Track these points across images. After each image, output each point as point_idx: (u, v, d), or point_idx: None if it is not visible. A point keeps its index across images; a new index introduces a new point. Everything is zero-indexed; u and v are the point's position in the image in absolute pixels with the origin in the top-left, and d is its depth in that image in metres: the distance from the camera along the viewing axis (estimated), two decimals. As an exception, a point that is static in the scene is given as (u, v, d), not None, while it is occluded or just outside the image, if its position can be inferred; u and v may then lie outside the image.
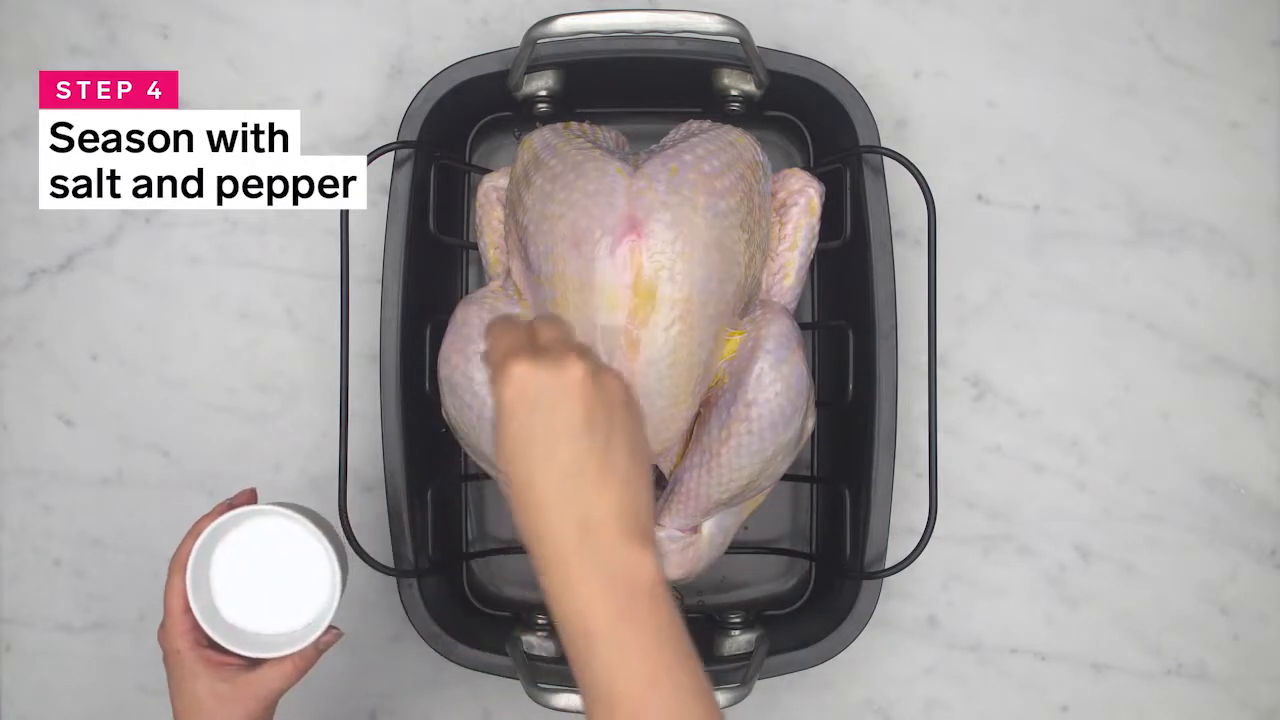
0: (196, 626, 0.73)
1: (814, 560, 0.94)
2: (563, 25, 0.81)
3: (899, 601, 0.94)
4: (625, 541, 0.56)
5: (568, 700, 0.80)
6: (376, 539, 0.88)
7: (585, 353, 0.58)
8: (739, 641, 0.88)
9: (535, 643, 0.88)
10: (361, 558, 0.83)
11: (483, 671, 0.86)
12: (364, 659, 0.94)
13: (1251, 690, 0.95)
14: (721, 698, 0.80)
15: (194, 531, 0.74)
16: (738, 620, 0.89)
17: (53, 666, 0.95)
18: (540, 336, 0.60)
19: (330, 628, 0.74)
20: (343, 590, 0.75)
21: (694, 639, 0.89)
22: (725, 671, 0.84)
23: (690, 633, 0.90)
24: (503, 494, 0.86)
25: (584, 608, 0.56)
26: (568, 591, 0.56)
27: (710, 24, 0.81)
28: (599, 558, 0.56)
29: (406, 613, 0.86)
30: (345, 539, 0.81)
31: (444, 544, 0.91)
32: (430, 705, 0.95)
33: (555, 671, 0.85)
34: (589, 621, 0.55)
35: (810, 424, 0.82)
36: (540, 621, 0.89)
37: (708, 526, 0.81)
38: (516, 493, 0.58)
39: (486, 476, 0.85)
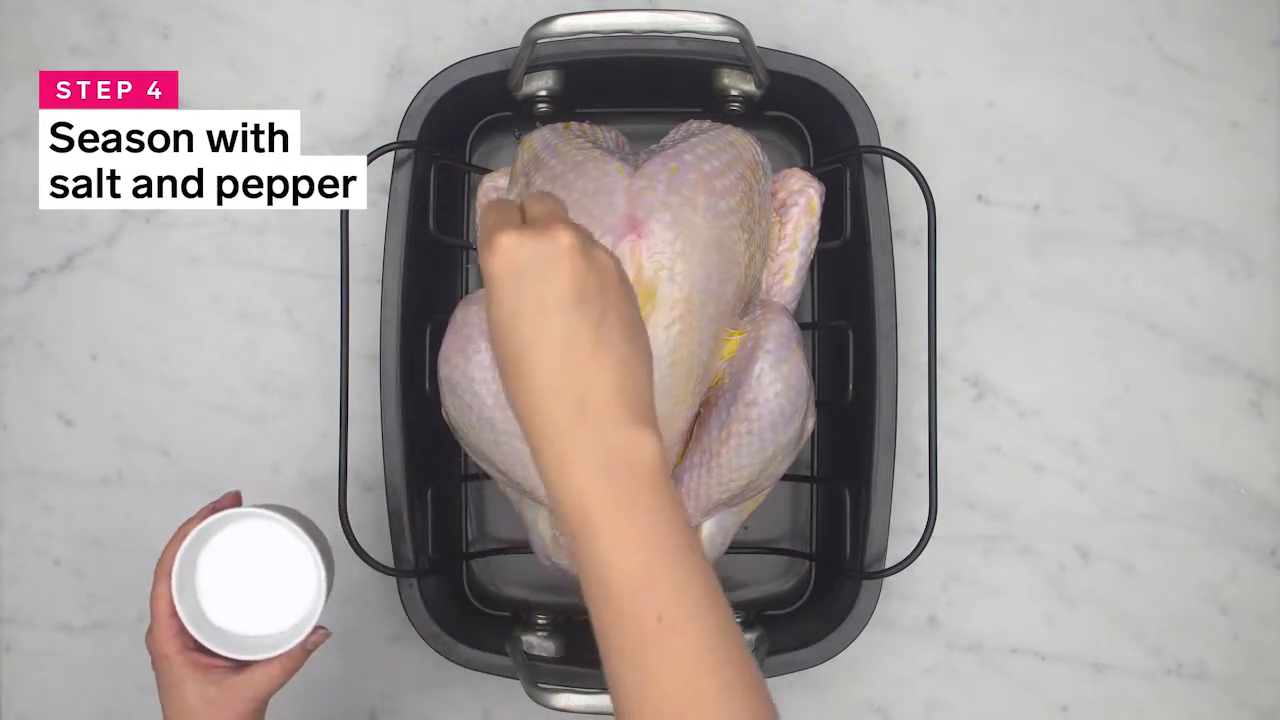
0: (183, 630, 0.72)
1: (814, 560, 0.94)
2: (563, 25, 0.81)
3: (899, 601, 0.94)
4: (625, 422, 0.53)
5: (568, 700, 0.80)
6: (376, 539, 0.88)
7: (576, 226, 0.55)
8: (739, 641, 0.88)
9: (535, 643, 0.88)
10: (361, 558, 0.83)
11: (483, 671, 0.86)
12: (364, 659, 0.94)
13: (1251, 690, 0.95)
14: (721, 698, 0.80)
15: (178, 535, 0.74)
16: (738, 620, 0.88)
17: (53, 666, 0.95)
18: (530, 211, 0.56)
19: (317, 628, 0.74)
20: (329, 590, 0.75)
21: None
22: (725, 671, 0.84)
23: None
24: (502, 493, 0.86)
25: (581, 490, 0.53)
26: (564, 473, 0.53)
27: (710, 24, 0.81)
28: (597, 438, 0.53)
29: (406, 613, 0.86)
30: (340, 538, 0.81)
31: (444, 544, 0.91)
32: (430, 705, 0.95)
33: (555, 671, 0.85)
34: (586, 505, 0.53)
35: (810, 424, 0.82)
36: (540, 621, 0.89)
37: (708, 526, 0.81)
38: (509, 371, 0.55)
39: (486, 476, 0.85)
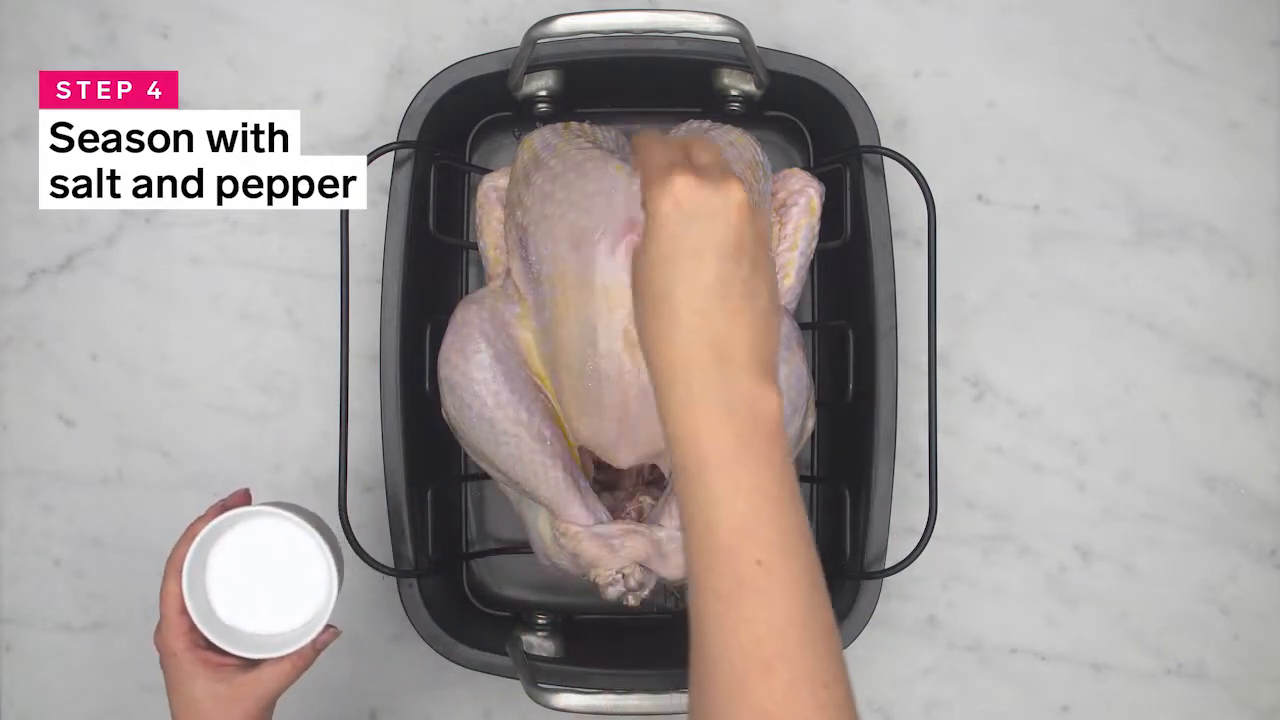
0: (193, 628, 0.72)
1: (814, 560, 0.94)
2: (563, 25, 0.81)
3: (899, 601, 0.94)
4: (754, 374, 0.55)
5: (568, 700, 0.80)
6: (376, 539, 0.88)
7: (742, 180, 0.57)
8: (739, 641, 0.88)
9: (535, 643, 0.88)
10: (361, 558, 0.83)
11: (483, 671, 0.86)
12: (364, 659, 0.94)
13: (1251, 690, 0.95)
14: (721, 698, 0.80)
15: (189, 533, 0.74)
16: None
17: (53, 666, 0.95)
18: (699, 158, 0.58)
19: (327, 626, 0.74)
20: (339, 589, 0.75)
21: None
22: (725, 671, 0.84)
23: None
24: (502, 493, 0.86)
25: (702, 431, 0.54)
26: (688, 412, 0.55)
27: (710, 24, 0.81)
28: (726, 383, 0.55)
29: (406, 613, 0.86)
30: (341, 538, 0.81)
31: (444, 544, 0.91)
32: (430, 705, 0.95)
33: (555, 671, 0.85)
34: (704, 446, 0.54)
35: (810, 424, 0.82)
36: (540, 621, 0.89)
37: (708, 526, 0.81)
38: (648, 308, 0.56)
39: (486, 476, 0.85)
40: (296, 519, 0.74)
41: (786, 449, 0.56)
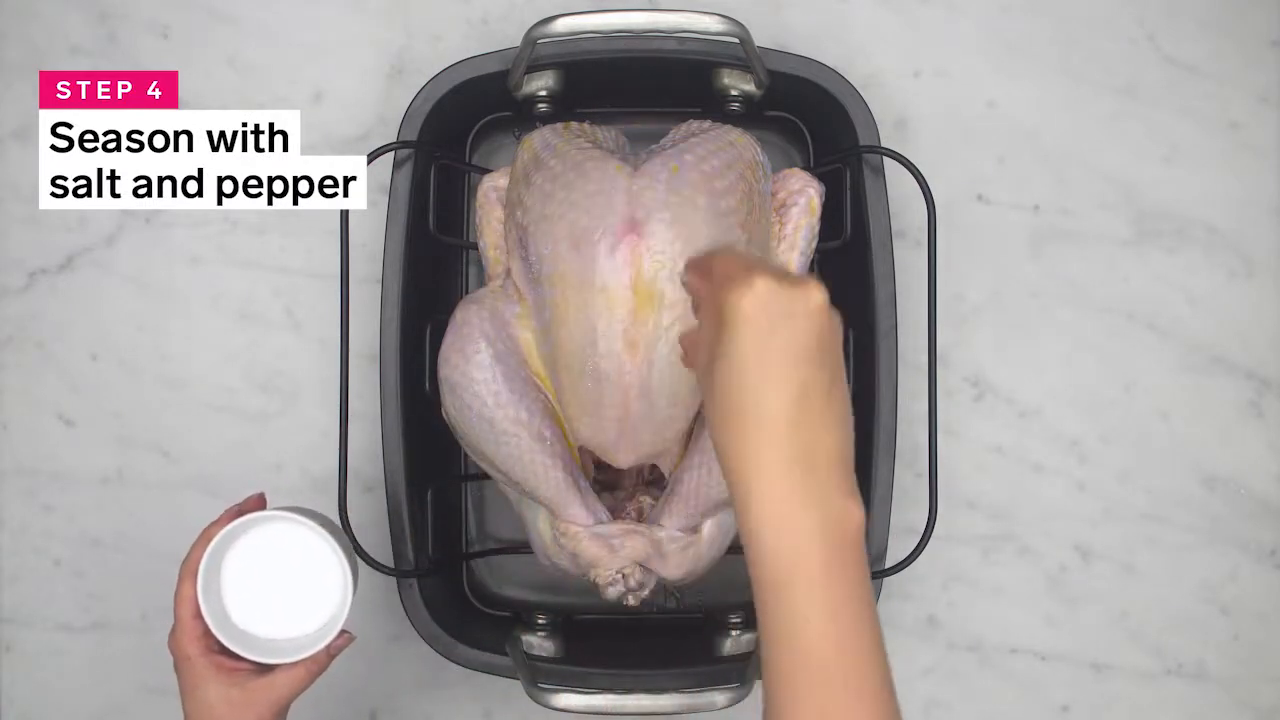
0: (207, 632, 0.72)
1: (814, 560, 0.94)
2: (563, 25, 0.81)
3: (899, 601, 0.94)
4: (841, 486, 0.54)
5: (568, 700, 0.80)
6: (376, 539, 0.88)
7: (823, 286, 0.56)
8: (739, 641, 0.88)
9: (535, 643, 0.88)
10: (361, 558, 0.83)
11: (483, 671, 0.86)
12: (364, 659, 0.94)
13: (1251, 690, 0.95)
14: (721, 698, 0.80)
15: (204, 537, 0.74)
16: (738, 620, 0.89)
17: (53, 666, 0.95)
18: (771, 264, 0.58)
19: (342, 632, 0.74)
20: (354, 594, 0.75)
21: (694, 639, 0.90)
22: (725, 671, 0.84)
23: (690, 633, 0.91)
24: (502, 493, 0.86)
25: (796, 549, 0.53)
26: (779, 527, 0.53)
27: (710, 24, 0.81)
28: (814, 497, 0.54)
29: (406, 613, 0.86)
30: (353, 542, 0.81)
31: (444, 544, 0.91)
32: (430, 705, 0.95)
33: (555, 671, 0.85)
34: (798, 563, 0.53)
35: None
36: (540, 621, 0.89)
37: (708, 526, 0.81)
38: (728, 410, 0.55)
39: (486, 476, 0.85)
40: (312, 524, 0.74)
41: (865, 558, 0.55)
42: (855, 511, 0.55)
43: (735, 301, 0.54)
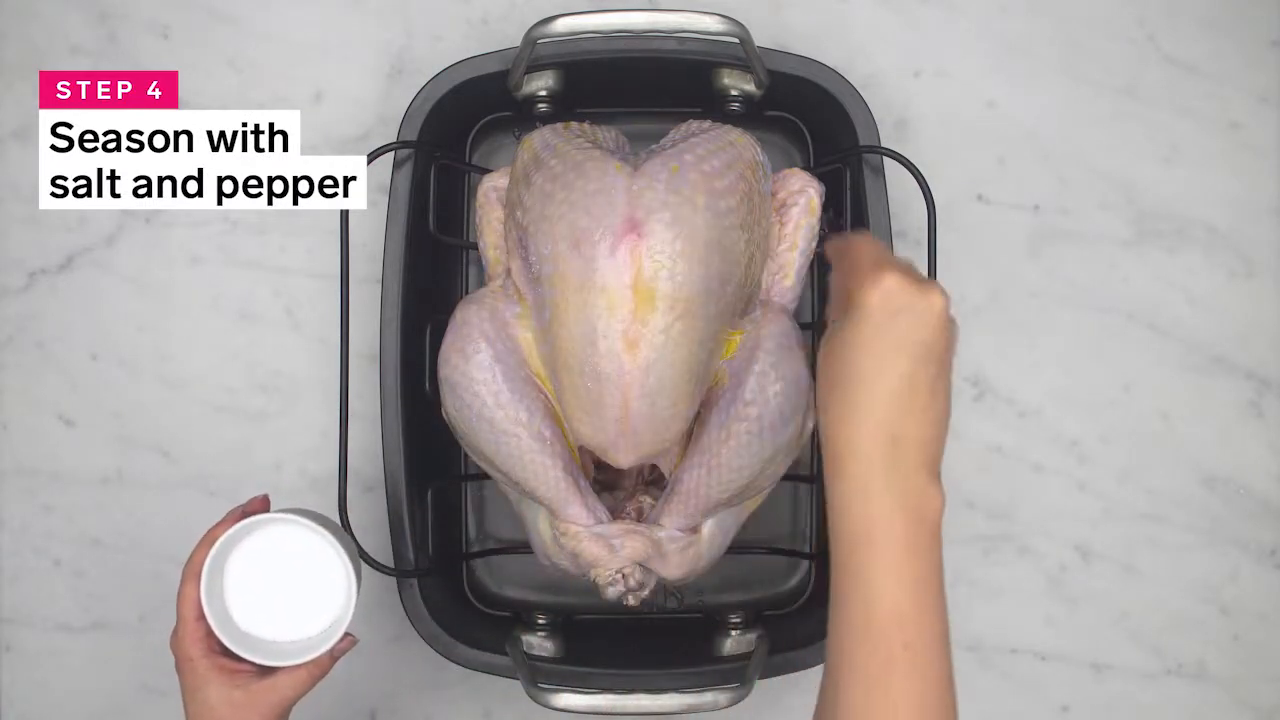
0: (210, 634, 0.72)
1: (814, 560, 0.94)
2: (563, 25, 0.81)
3: (899, 601, 0.94)
4: (926, 471, 0.59)
5: (568, 700, 0.80)
6: (376, 539, 0.88)
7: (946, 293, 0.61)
8: (739, 641, 0.88)
9: (535, 643, 0.88)
10: (362, 558, 0.83)
11: (483, 671, 0.86)
12: (364, 659, 0.94)
13: (1251, 690, 0.95)
14: (721, 698, 0.80)
15: (208, 539, 0.74)
16: (738, 620, 0.89)
17: (53, 666, 0.95)
18: (903, 262, 0.62)
19: (345, 635, 0.74)
20: (358, 597, 0.75)
21: (694, 639, 0.90)
22: (725, 671, 0.84)
23: (690, 633, 0.91)
24: (502, 493, 0.86)
25: (876, 520, 0.57)
26: (863, 499, 0.58)
27: (710, 24, 0.81)
28: (901, 476, 0.58)
29: (406, 613, 0.86)
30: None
31: (444, 544, 0.91)
32: (430, 705, 0.95)
33: (555, 671, 0.85)
34: (876, 535, 0.57)
35: (810, 424, 0.82)
36: (540, 621, 0.89)
37: (708, 526, 0.81)
38: (836, 392, 0.59)
39: (486, 476, 0.85)
40: (317, 527, 0.74)
41: (939, 544, 0.59)
42: (936, 497, 0.59)
43: (864, 293, 0.60)
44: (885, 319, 0.59)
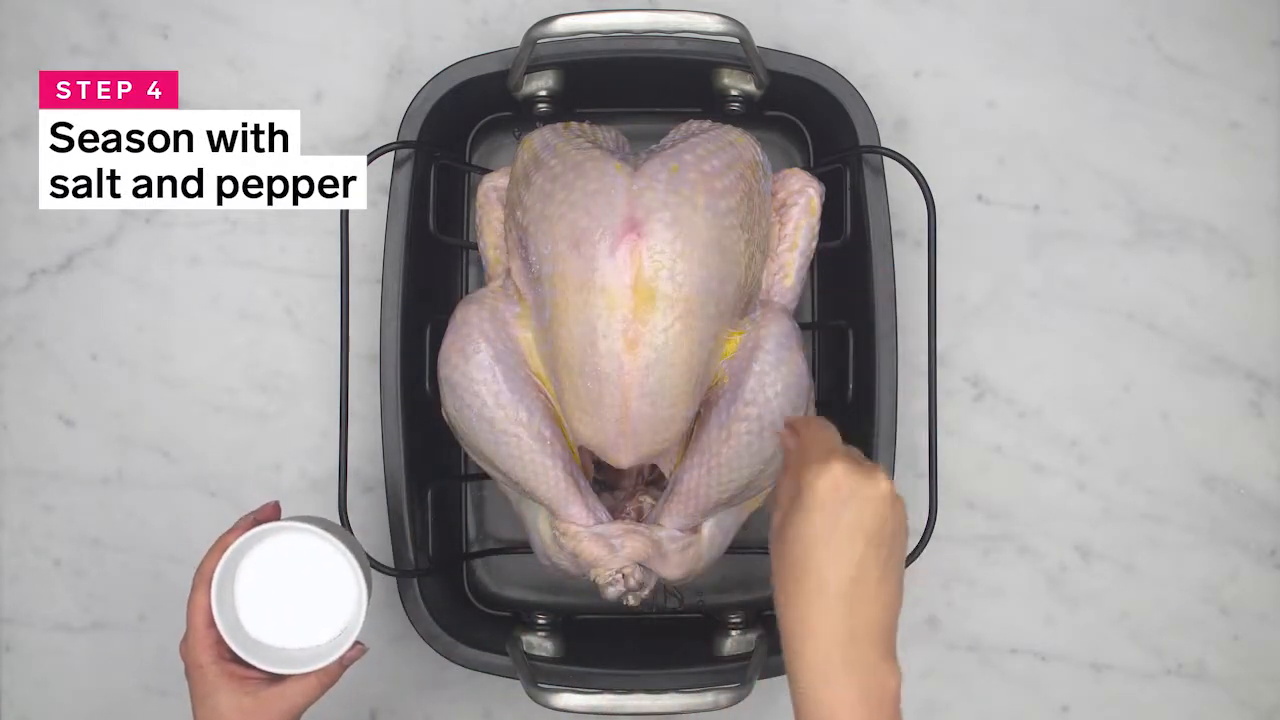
0: (220, 641, 0.72)
1: (814, 560, 0.94)
2: (563, 25, 0.81)
3: (899, 601, 0.94)
4: (881, 651, 0.61)
5: (568, 700, 0.80)
6: (376, 539, 0.88)
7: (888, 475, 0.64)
8: (739, 641, 0.88)
9: (535, 643, 0.88)
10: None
11: (483, 671, 0.86)
12: (364, 659, 0.94)
13: (1251, 690, 0.95)
14: (721, 698, 0.80)
15: (219, 546, 0.73)
16: (738, 620, 0.89)
17: (53, 666, 0.95)
18: (850, 449, 0.65)
19: (355, 643, 0.74)
20: (368, 606, 0.75)
21: (694, 639, 0.90)
22: (725, 671, 0.84)
23: (690, 633, 0.91)
24: (502, 493, 0.86)
25: (838, 707, 0.60)
26: (824, 689, 0.60)
27: (710, 24, 0.81)
28: (861, 665, 0.60)
29: (406, 613, 0.86)
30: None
31: (444, 544, 0.91)
32: (430, 705, 0.95)
33: (555, 671, 0.85)
34: (837, 715, 0.60)
35: (810, 424, 0.82)
36: (540, 621, 0.89)
37: (708, 526, 0.81)
38: (792, 575, 0.62)
39: (486, 476, 0.85)
40: (328, 535, 0.74)
41: (900, 716, 0.62)
42: (893, 675, 0.61)
43: (813, 479, 0.62)
44: (836, 506, 0.61)
